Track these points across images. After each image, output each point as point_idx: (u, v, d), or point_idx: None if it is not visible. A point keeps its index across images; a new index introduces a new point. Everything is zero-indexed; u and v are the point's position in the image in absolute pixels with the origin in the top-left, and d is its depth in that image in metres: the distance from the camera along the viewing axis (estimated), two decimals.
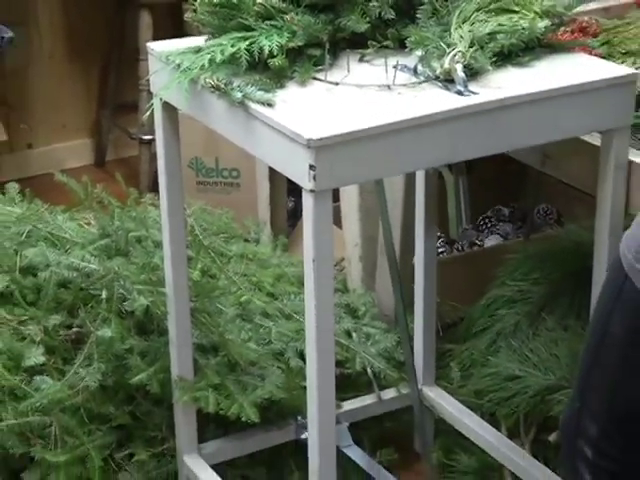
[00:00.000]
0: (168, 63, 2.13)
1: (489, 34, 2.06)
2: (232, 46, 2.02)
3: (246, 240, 3.09)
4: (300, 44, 2.04)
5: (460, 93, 1.96)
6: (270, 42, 2.01)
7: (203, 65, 2.01)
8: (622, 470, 1.80)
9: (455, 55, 2.00)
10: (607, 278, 1.79)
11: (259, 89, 1.96)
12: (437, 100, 1.95)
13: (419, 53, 2.06)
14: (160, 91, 2.24)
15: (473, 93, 1.96)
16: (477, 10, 2.11)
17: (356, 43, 2.14)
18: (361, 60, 2.12)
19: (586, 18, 2.45)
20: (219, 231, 2.96)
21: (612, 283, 1.74)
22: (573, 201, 3.29)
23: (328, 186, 1.88)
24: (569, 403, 1.89)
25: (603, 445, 1.79)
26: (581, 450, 1.81)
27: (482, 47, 2.03)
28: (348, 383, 2.75)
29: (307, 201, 1.88)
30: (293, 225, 3.61)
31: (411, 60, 2.06)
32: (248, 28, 2.06)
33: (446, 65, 1.99)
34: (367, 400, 2.80)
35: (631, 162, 2.13)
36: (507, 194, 3.59)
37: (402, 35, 2.13)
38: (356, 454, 2.68)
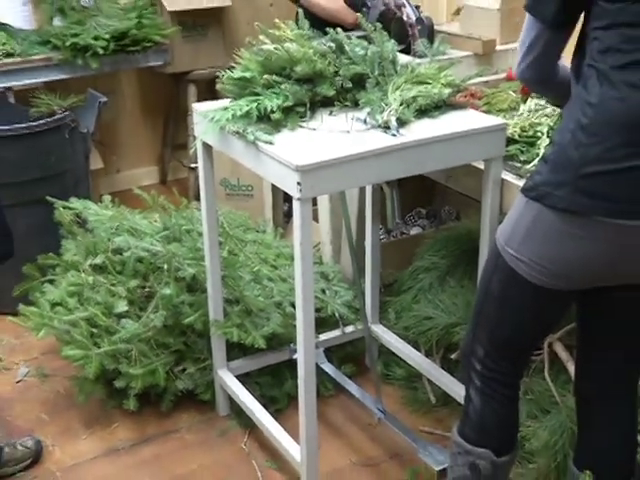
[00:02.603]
0: (206, 117, 2.12)
1: (412, 97, 2.06)
2: (247, 106, 2.02)
3: (257, 231, 3.09)
4: (290, 104, 2.05)
5: (394, 135, 1.96)
6: (271, 103, 2.02)
7: (228, 118, 2.02)
8: (497, 376, 1.80)
9: (391, 111, 2.00)
10: (488, 255, 1.80)
11: (264, 133, 1.96)
12: (379, 140, 1.95)
13: (367, 109, 2.06)
14: (201, 135, 2.23)
15: (402, 135, 1.96)
16: (405, 82, 2.11)
17: (327, 103, 2.14)
18: (330, 114, 2.12)
19: (474, 87, 2.44)
20: (239, 225, 2.96)
21: (491, 259, 1.75)
22: (467, 205, 3.28)
23: (309, 196, 1.88)
24: (466, 334, 1.89)
25: (486, 361, 1.79)
26: (473, 365, 1.82)
27: (408, 106, 2.03)
28: (323, 322, 2.74)
29: (296, 205, 1.88)
30: (287, 221, 3.60)
31: (362, 114, 2.06)
32: (257, 94, 2.06)
33: (385, 117, 1.99)
34: (335, 333, 2.79)
35: (503, 180, 2.13)
36: (424, 200, 3.58)
37: (357, 98, 2.13)
38: (328, 368, 2.68)
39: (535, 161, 2.08)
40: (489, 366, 1.79)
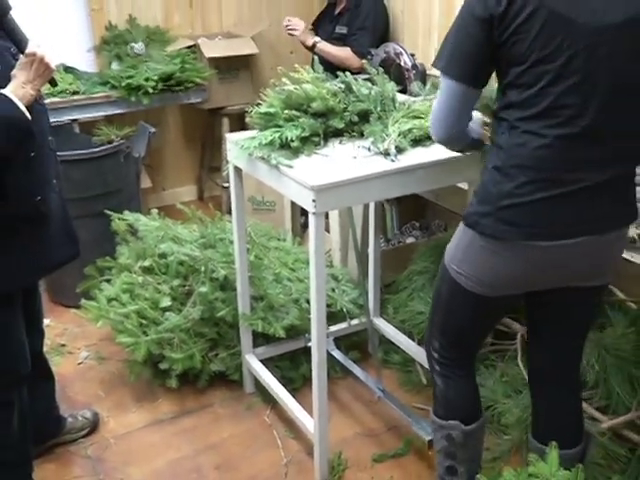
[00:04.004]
0: (237, 145, 2.13)
1: (409, 129, 2.06)
2: (271, 136, 2.03)
3: (278, 239, 3.08)
4: (307, 134, 2.06)
5: (393, 161, 1.96)
6: (291, 133, 2.02)
7: (255, 146, 2.02)
8: (452, 362, 1.82)
9: (390, 140, 2.00)
10: (439, 268, 1.80)
11: (285, 158, 1.97)
12: (380, 164, 1.96)
13: (371, 139, 2.06)
14: (232, 160, 2.24)
15: (400, 161, 1.96)
16: (402, 116, 2.11)
17: (337, 134, 2.14)
18: (340, 143, 2.12)
19: None
20: (264, 234, 2.95)
21: (441, 272, 1.77)
22: (453, 219, 3.27)
23: (322, 211, 1.88)
24: (426, 331, 1.93)
25: (441, 352, 1.82)
26: (432, 354, 1.85)
27: (405, 136, 2.04)
28: (333, 316, 2.73)
29: (311, 218, 1.88)
30: (304, 231, 3.59)
31: (367, 143, 2.07)
32: (279, 126, 2.07)
33: (385, 146, 1.99)
34: (343, 325, 2.78)
35: None
36: (418, 215, 3.56)
37: (362, 129, 2.13)
38: (337, 354, 2.67)
39: None
40: (444, 355, 1.82)
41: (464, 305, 1.72)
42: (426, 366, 2.54)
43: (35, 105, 1.77)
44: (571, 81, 1.44)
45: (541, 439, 1.79)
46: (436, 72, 3.17)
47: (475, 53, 1.49)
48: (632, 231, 1.73)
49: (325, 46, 3.40)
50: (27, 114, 1.70)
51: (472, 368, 1.87)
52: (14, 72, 1.71)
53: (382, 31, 3.51)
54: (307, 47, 3.48)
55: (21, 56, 1.73)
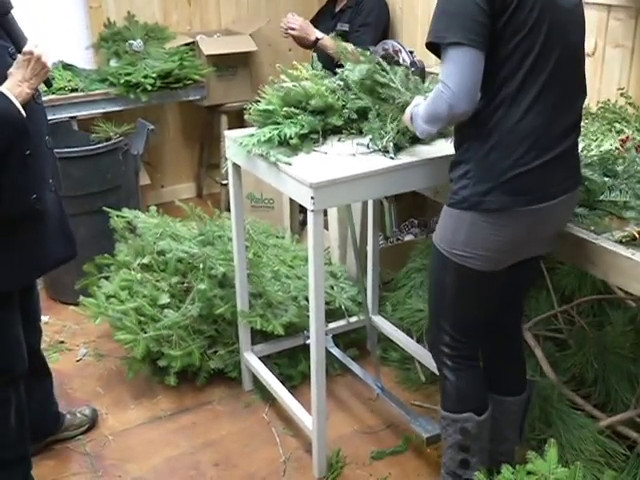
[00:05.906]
0: (235, 142, 2.12)
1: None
2: (269, 133, 2.03)
3: (277, 237, 3.08)
4: (306, 132, 2.06)
5: (392, 158, 1.96)
6: (290, 131, 2.02)
7: (254, 143, 2.02)
8: (462, 352, 1.86)
9: (389, 138, 1.99)
10: (434, 262, 1.87)
11: (284, 155, 1.96)
12: (379, 162, 1.95)
13: (370, 137, 2.06)
14: (231, 157, 2.23)
15: (398, 158, 1.96)
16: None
17: (336, 131, 2.14)
18: (339, 140, 2.12)
19: None
20: (262, 232, 2.94)
21: (439, 263, 1.84)
22: None
23: (321, 208, 1.88)
24: (429, 331, 1.96)
25: (452, 344, 1.86)
26: (442, 351, 1.88)
27: (403, 134, 2.02)
28: (331, 313, 2.73)
29: (310, 216, 1.88)
30: (302, 229, 3.58)
31: (366, 140, 2.06)
32: (278, 123, 2.07)
33: (384, 143, 1.99)
34: (341, 323, 2.78)
35: None
36: (416, 212, 3.55)
37: (361, 127, 2.12)
38: (336, 352, 2.67)
39: None
40: (455, 346, 1.85)
41: (475, 288, 1.77)
42: (425, 363, 2.57)
43: (32, 104, 1.77)
44: (553, 55, 1.58)
45: (497, 390, 1.95)
46: (434, 70, 3.15)
47: (483, 19, 1.54)
48: (632, 228, 1.72)
49: (328, 41, 3.38)
50: (22, 112, 1.70)
51: (479, 358, 1.93)
52: (11, 70, 1.71)
53: (384, 28, 3.49)
54: (306, 44, 3.45)
55: (19, 55, 1.72)
